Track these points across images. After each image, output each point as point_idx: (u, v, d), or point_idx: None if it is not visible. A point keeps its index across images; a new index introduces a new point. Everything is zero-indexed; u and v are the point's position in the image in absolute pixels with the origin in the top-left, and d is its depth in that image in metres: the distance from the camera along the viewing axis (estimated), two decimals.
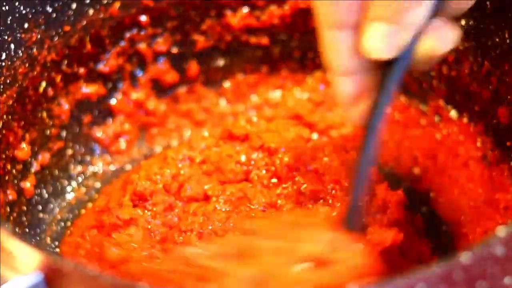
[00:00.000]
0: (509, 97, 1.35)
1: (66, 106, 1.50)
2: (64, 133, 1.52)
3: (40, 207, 1.46)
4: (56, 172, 1.51)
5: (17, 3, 1.33)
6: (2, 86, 1.33)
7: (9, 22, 1.33)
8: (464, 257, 0.90)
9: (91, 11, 1.46)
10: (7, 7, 1.32)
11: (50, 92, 1.46)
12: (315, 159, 1.39)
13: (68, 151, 1.54)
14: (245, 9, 1.58)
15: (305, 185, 1.36)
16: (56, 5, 1.40)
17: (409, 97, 1.56)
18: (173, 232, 1.31)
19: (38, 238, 1.42)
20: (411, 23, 1.04)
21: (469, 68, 1.42)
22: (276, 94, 1.65)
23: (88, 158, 1.57)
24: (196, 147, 1.42)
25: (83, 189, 1.54)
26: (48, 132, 1.49)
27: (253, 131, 1.44)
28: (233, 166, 1.39)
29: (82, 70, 1.51)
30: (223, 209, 1.33)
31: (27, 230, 1.41)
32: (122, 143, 1.59)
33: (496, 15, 1.34)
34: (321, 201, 1.35)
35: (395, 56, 1.07)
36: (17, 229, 1.37)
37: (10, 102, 1.36)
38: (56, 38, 1.42)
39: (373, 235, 1.22)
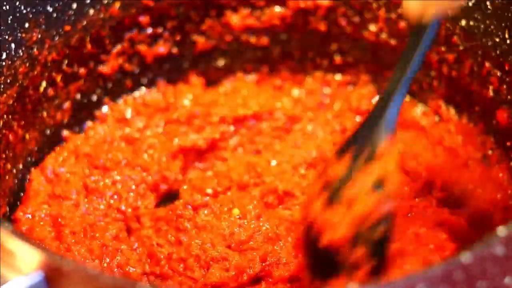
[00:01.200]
0: (509, 97, 1.35)
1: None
2: (64, 133, 1.52)
3: None
4: None
5: (17, 3, 1.34)
6: (2, 86, 1.33)
7: (9, 21, 1.33)
8: (464, 257, 0.91)
9: (91, 11, 1.46)
10: (7, 7, 1.32)
11: (51, 92, 1.46)
12: None
13: None
14: (246, 10, 1.58)
15: None
16: (57, 5, 1.40)
17: (409, 97, 1.56)
18: None
19: None
20: None
21: (469, 69, 1.42)
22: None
23: None
24: None
25: None
26: (48, 131, 1.49)
27: None
28: None
29: (82, 70, 1.51)
30: None
31: None
32: None
33: (496, 15, 1.34)
34: None
35: None
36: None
37: (11, 101, 1.36)
38: (56, 38, 1.42)
39: None
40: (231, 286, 1.29)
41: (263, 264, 1.31)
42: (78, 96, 1.53)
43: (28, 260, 0.94)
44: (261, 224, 1.36)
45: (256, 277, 1.31)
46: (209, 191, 1.44)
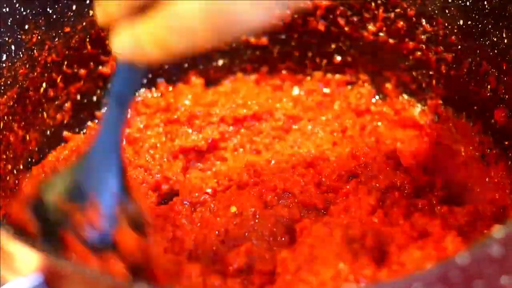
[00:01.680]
0: (507, 96, 1.36)
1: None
2: (64, 133, 1.53)
3: None
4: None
5: (17, 5, 1.34)
6: (2, 87, 1.34)
7: (9, 23, 1.33)
8: (461, 257, 0.91)
9: (91, 12, 1.46)
10: (7, 9, 1.32)
11: (51, 93, 1.47)
12: None
13: None
14: None
15: None
16: (56, 6, 1.40)
17: (408, 96, 1.57)
18: None
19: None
20: None
21: (467, 68, 1.43)
22: None
23: None
24: None
25: None
26: (48, 132, 1.49)
27: None
28: None
29: (82, 71, 1.51)
30: None
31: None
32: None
33: (494, 14, 1.34)
34: None
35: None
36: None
37: (11, 103, 1.37)
38: (56, 39, 1.43)
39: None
40: (215, 280, 1.29)
41: (247, 257, 1.31)
42: (78, 96, 1.53)
43: (27, 261, 0.94)
44: (257, 221, 1.36)
45: (240, 270, 1.31)
46: (209, 190, 1.45)
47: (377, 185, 1.41)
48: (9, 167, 1.39)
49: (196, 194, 1.43)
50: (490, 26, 1.35)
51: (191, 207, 1.41)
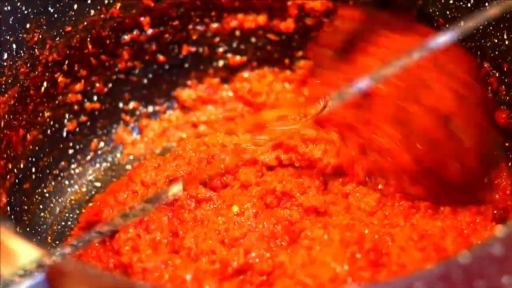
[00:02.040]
0: (508, 98, 1.36)
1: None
2: (64, 133, 1.53)
3: (41, 206, 1.47)
4: (57, 171, 1.52)
5: (19, 3, 1.34)
6: (3, 86, 1.34)
7: (11, 22, 1.33)
8: (463, 256, 0.91)
9: (92, 12, 1.46)
10: (9, 7, 1.33)
11: (52, 92, 1.47)
12: None
13: (69, 150, 1.55)
14: (246, 10, 1.59)
15: None
16: (58, 5, 1.40)
17: None
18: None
19: (39, 237, 1.43)
20: None
21: None
22: None
23: (89, 157, 1.58)
24: None
25: (84, 189, 1.55)
26: (49, 131, 1.49)
27: None
28: None
29: (83, 71, 1.51)
30: None
31: (28, 229, 1.42)
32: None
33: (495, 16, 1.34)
34: None
35: None
36: (18, 228, 1.37)
37: (12, 101, 1.37)
38: (57, 38, 1.43)
39: None
40: (215, 279, 1.29)
41: (247, 256, 1.31)
42: (79, 96, 1.54)
43: (29, 259, 0.94)
44: (257, 222, 1.36)
45: (240, 269, 1.31)
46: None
47: (378, 186, 1.41)
48: (10, 166, 1.39)
49: (203, 189, 1.42)
50: (491, 28, 1.35)
51: (196, 203, 1.40)
